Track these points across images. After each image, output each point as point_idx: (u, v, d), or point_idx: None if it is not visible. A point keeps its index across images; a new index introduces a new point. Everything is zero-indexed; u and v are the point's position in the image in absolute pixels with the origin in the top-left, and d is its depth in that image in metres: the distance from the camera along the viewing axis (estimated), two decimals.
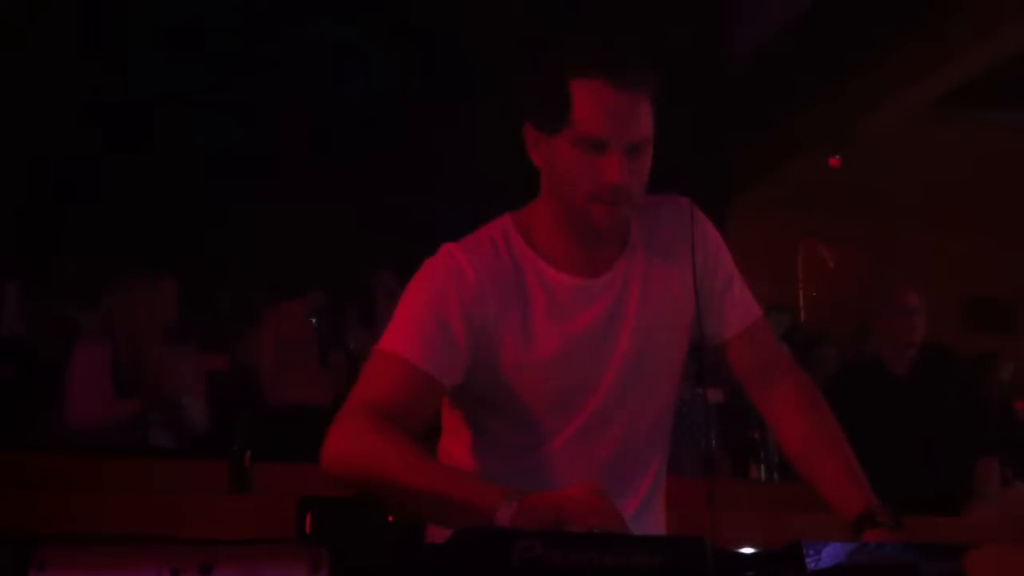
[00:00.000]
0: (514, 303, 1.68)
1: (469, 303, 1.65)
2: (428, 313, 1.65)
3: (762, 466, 4.14)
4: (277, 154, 8.27)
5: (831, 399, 1.89)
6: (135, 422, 3.85)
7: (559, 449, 1.73)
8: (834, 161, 7.57)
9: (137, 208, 7.63)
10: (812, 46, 7.27)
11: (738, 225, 7.84)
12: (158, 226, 7.31)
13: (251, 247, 7.39)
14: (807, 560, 1.71)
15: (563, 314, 1.69)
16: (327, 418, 1.60)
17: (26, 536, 1.08)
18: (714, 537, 1.28)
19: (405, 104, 8.42)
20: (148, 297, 3.99)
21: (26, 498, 2.54)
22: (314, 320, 4.93)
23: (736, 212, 8.36)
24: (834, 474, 1.80)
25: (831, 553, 1.59)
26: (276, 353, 4.65)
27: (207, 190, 8.26)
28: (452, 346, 1.64)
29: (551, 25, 7.46)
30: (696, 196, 1.80)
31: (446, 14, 7.87)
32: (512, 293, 1.68)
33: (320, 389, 4.42)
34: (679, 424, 4.67)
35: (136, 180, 8.14)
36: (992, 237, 9.06)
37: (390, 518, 1.80)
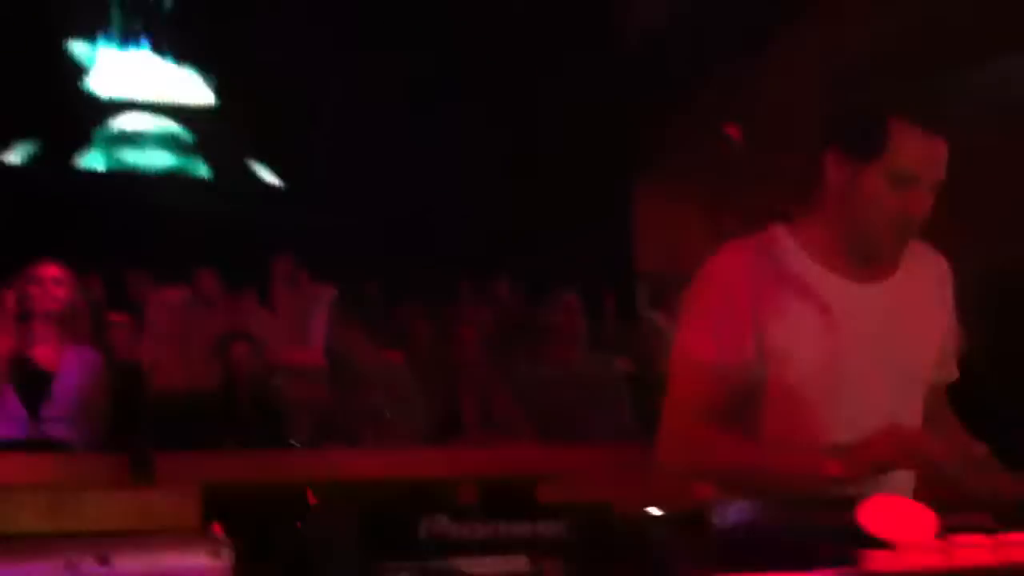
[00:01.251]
0: (791, 302, 1.83)
1: (751, 300, 1.81)
2: (723, 311, 1.82)
3: None
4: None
5: None
6: (31, 416, 3.74)
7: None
8: (732, 130, 7.68)
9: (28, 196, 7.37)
10: (717, 22, 7.35)
11: (645, 199, 7.91)
12: (50, 214, 7.05)
13: (135, 228, 7.15)
14: (713, 519, 1.76)
15: (840, 313, 1.83)
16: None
17: None
18: (625, 501, 1.30)
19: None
20: (39, 289, 3.86)
21: None
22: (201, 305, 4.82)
23: (643, 187, 8.43)
24: None
25: (736, 512, 1.63)
26: (157, 341, 4.55)
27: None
28: (745, 338, 1.80)
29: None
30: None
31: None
32: (790, 293, 1.83)
33: (206, 375, 4.33)
34: (590, 392, 4.69)
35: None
36: None
37: (312, 499, 1.79)
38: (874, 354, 1.83)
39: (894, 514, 1.40)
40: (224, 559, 1.09)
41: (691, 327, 1.86)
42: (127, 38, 8.43)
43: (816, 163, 1.89)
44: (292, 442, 4.08)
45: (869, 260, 1.87)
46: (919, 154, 1.76)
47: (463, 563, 1.19)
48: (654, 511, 1.39)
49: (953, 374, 2.02)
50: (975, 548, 1.33)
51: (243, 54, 8.24)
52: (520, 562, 1.20)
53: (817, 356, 1.80)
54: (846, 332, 1.83)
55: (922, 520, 1.39)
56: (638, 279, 7.93)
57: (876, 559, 1.33)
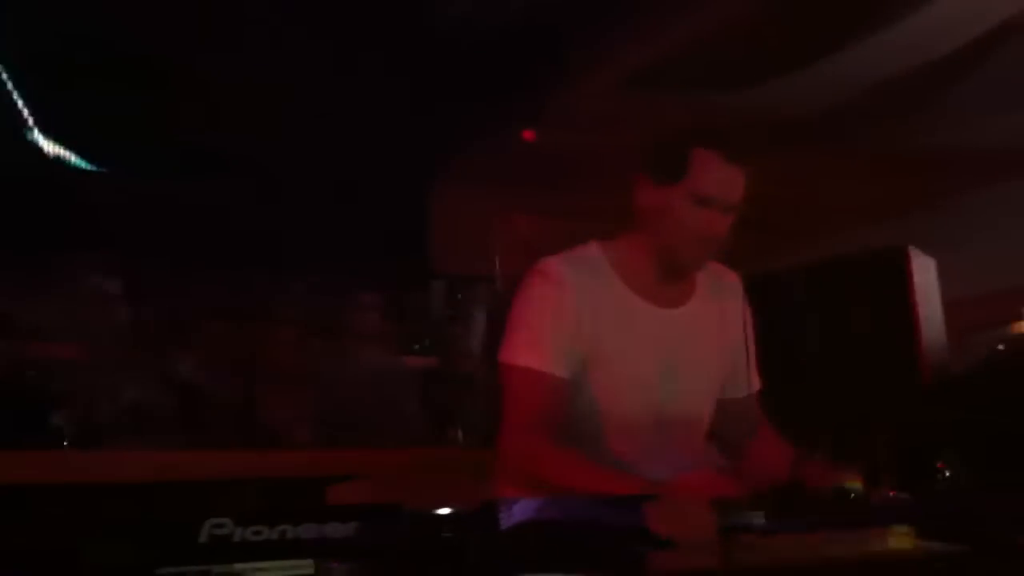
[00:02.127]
0: (605, 321, 1.94)
1: (573, 313, 1.93)
2: (548, 322, 1.92)
3: (463, 432, 4.24)
4: None
5: None
6: None
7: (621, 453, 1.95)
8: (528, 134, 7.79)
9: None
10: (513, 24, 7.41)
11: (441, 198, 7.90)
12: None
13: None
14: (500, 517, 1.78)
15: (643, 335, 1.98)
16: None
17: None
18: (416, 502, 1.29)
19: None
20: None
21: None
22: None
23: (439, 185, 8.43)
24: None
25: (521, 509, 1.67)
26: None
27: None
28: (569, 349, 1.92)
29: None
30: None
31: None
32: (603, 312, 1.95)
33: None
34: (385, 393, 4.67)
35: None
36: None
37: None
38: (671, 375, 1.99)
39: (676, 514, 1.45)
40: None
41: (514, 340, 1.94)
42: None
43: (626, 185, 2.02)
44: (64, 442, 3.86)
45: (673, 276, 2.03)
46: (718, 179, 1.94)
47: (247, 567, 1.15)
48: (444, 511, 1.38)
49: (755, 385, 2.13)
50: (752, 548, 1.39)
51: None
52: (307, 566, 1.17)
53: (626, 374, 1.89)
54: (648, 353, 1.97)
55: (703, 520, 1.45)
56: (437, 280, 7.97)
57: (659, 559, 1.37)
